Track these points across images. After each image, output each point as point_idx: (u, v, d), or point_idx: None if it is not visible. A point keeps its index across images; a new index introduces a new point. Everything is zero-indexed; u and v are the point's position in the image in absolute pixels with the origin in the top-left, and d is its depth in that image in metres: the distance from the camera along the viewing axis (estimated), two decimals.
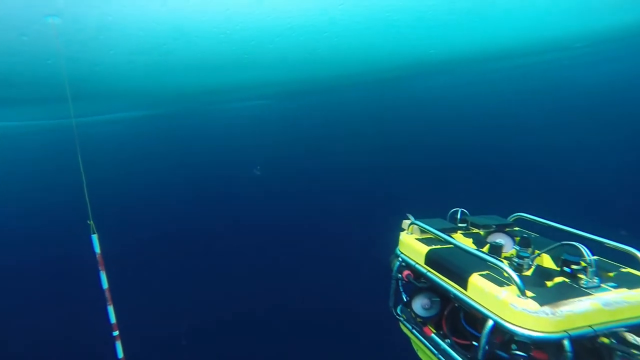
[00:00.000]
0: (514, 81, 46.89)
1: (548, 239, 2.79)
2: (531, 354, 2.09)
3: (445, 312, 2.75)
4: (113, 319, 4.44)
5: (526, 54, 23.22)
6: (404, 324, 3.04)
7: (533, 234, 2.94)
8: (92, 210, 4.06)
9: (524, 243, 2.68)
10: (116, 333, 4.48)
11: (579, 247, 2.24)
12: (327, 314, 10.95)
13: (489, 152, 26.34)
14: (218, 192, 25.42)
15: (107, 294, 4.35)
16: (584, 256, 2.21)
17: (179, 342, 10.82)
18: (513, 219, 3.18)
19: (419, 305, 2.80)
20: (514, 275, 2.05)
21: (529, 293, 2.03)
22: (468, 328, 2.50)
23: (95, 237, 4.16)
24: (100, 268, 4.27)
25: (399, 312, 3.14)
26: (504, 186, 19.40)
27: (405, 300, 3.19)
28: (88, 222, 4.07)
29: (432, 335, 2.70)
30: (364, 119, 44.73)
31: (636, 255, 2.27)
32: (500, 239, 2.73)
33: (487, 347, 2.16)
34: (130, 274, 11.76)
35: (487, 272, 2.26)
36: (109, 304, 4.39)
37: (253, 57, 11.33)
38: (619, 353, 1.96)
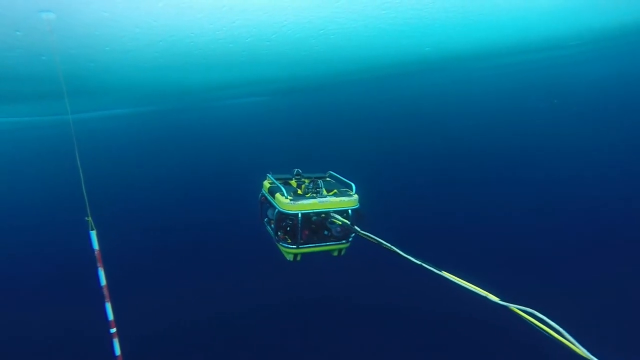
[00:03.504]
0: (509, 78, 47.12)
1: (333, 182, 5.05)
2: (294, 221, 4.36)
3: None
4: (111, 316, 4.42)
5: (521, 52, 23.34)
6: (266, 226, 5.14)
7: (333, 181, 5.10)
8: (90, 207, 4.04)
9: (313, 183, 4.76)
10: (114, 330, 4.46)
11: (319, 182, 4.53)
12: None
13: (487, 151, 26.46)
14: (216, 187, 25.30)
15: (105, 291, 4.34)
16: (319, 185, 4.51)
17: (176, 339, 10.80)
18: (328, 174, 5.33)
19: (271, 213, 4.93)
20: (284, 191, 4.39)
21: (289, 197, 4.32)
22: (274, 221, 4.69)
23: (93, 234, 4.13)
24: (98, 265, 4.25)
25: (265, 221, 5.22)
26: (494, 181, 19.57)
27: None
28: (86, 218, 4.04)
29: (272, 225, 4.81)
30: (359, 115, 44.78)
31: (352, 184, 4.65)
32: (311, 182, 4.92)
33: (279, 222, 4.52)
34: (128, 270, 11.69)
35: (284, 192, 4.41)
36: (107, 301, 4.37)
37: (249, 54, 11.31)
38: (330, 220, 4.32)
